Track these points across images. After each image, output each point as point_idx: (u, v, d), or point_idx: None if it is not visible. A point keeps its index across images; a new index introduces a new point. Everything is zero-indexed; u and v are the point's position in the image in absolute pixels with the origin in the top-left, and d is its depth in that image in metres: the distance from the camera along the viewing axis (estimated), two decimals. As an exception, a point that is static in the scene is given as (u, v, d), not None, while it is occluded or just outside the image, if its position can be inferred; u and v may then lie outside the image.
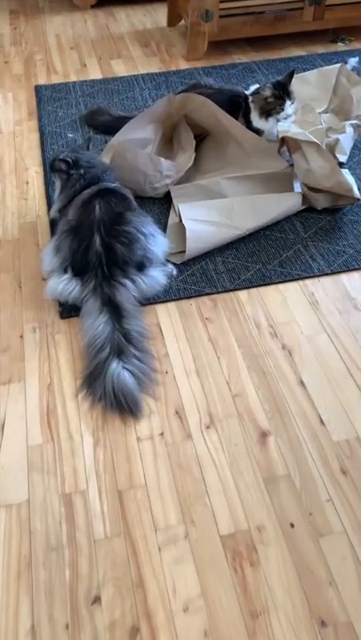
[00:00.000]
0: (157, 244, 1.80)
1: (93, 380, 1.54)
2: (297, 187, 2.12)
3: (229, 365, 1.60)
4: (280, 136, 2.08)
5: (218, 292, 1.81)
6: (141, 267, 1.76)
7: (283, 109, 2.31)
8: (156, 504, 1.31)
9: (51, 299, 1.78)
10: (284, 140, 2.12)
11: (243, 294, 1.81)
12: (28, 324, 1.74)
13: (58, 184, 1.97)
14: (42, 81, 3.02)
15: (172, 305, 1.79)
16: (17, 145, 2.52)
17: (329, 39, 3.32)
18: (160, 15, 3.70)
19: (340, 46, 3.28)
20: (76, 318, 1.74)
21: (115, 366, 1.53)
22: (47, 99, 2.84)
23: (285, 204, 2.05)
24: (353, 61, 3.01)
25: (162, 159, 2.11)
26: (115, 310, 1.67)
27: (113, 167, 2.02)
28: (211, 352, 1.64)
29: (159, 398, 1.52)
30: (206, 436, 1.44)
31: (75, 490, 1.34)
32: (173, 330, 1.71)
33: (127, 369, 1.54)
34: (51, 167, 1.96)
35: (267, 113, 2.35)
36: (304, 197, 2.07)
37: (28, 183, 2.30)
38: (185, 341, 1.67)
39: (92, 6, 3.82)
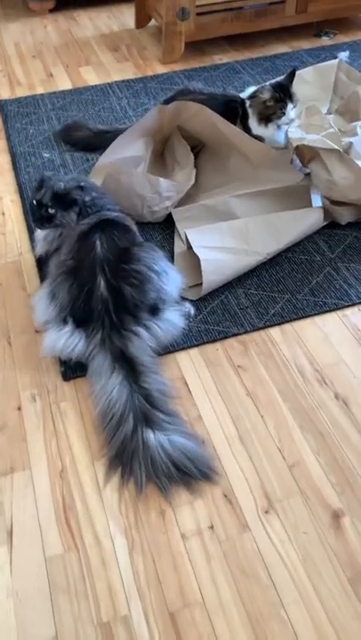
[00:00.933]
0: (171, 281, 1.52)
1: (127, 460, 1.25)
2: (315, 200, 1.87)
3: (278, 426, 1.33)
4: (294, 145, 1.82)
5: (246, 332, 1.54)
6: (155, 310, 1.48)
7: (284, 114, 2.06)
8: (219, 626, 1.03)
9: (49, 356, 1.47)
10: (297, 149, 1.87)
11: (275, 332, 1.54)
12: (26, 390, 1.43)
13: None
14: (5, 95, 2.70)
15: (194, 352, 1.51)
16: (-15, 170, 2.20)
17: (312, 33, 3.09)
18: (126, 17, 3.42)
19: (326, 40, 3.06)
20: (82, 379, 1.45)
21: (153, 437, 1.25)
22: (14, 115, 2.52)
23: (306, 221, 1.79)
24: (343, 56, 2.77)
25: (160, 179, 1.83)
26: (129, 366, 1.38)
27: (106, 192, 1.73)
28: (252, 410, 1.36)
29: (218, 474, 1.24)
30: (267, 524, 1.16)
31: (114, 616, 1.05)
32: (202, 384, 1.43)
33: (171, 435, 1.26)
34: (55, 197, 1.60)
35: (266, 118, 2.09)
36: (326, 212, 1.82)
37: (3, 214, 1.99)
38: (219, 398, 1.39)
39: (51, 11, 3.51)
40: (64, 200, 1.56)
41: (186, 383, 1.43)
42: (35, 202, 1.57)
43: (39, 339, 1.52)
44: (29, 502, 1.22)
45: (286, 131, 1.97)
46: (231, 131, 1.95)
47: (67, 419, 1.37)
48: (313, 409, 1.36)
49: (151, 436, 1.26)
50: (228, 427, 1.33)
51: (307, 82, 2.41)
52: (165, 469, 1.21)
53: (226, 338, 1.53)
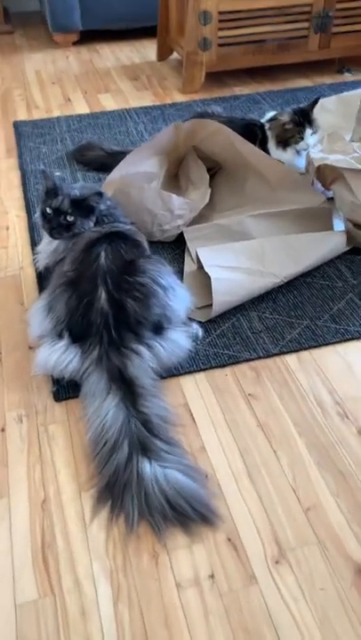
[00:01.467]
0: (178, 299, 1.39)
1: (119, 493, 1.09)
2: (337, 224, 1.76)
3: (292, 463, 1.17)
4: (316, 165, 1.72)
5: (259, 358, 1.40)
6: (159, 329, 1.34)
7: (302, 138, 1.98)
8: None
9: (41, 374, 1.33)
10: (318, 169, 1.77)
11: (291, 359, 1.40)
12: (12, 411, 1.29)
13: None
14: (21, 116, 2.67)
15: (201, 376, 1.36)
16: (-7, 185, 2.12)
17: (335, 69, 3.06)
18: (148, 50, 3.43)
19: (348, 77, 3.02)
20: (75, 400, 1.30)
21: (149, 468, 1.09)
22: (28, 135, 2.47)
23: (327, 244, 1.67)
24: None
25: (173, 196, 1.73)
26: (127, 388, 1.24)
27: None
28: (263, 443, 1.21)
29: (219, 517, 1.07)
30: (277, 576, 0.99)
31: None
32: (208, 412, 1.27)
33: (169, 467, 1.10)
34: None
35: (285, 142, 2.02)
36: (348, 236, 1.70)
37: (8, 229, 1.89)
38: (226, 429, 1.24)
39: (74, 43, 3.54)
40: (82, 207, 1.46)
41: (190, 410, 1.28)
42: (49, 210, 1.47)
43: (32, 356, 1.38)
44: (3, 536, 1.06)
45: (307, 154, 1.88)
46: (250, 150, 1.86)
47: (55, 443, 1.22)
48: (333, 445, 1.20)
49: (147, 467, 1.10)
50: (236, 461, 1.17)
51: (329, 110, 2.34)
52: (160, 506, 1.05)
53: (236, 363, 1.39)
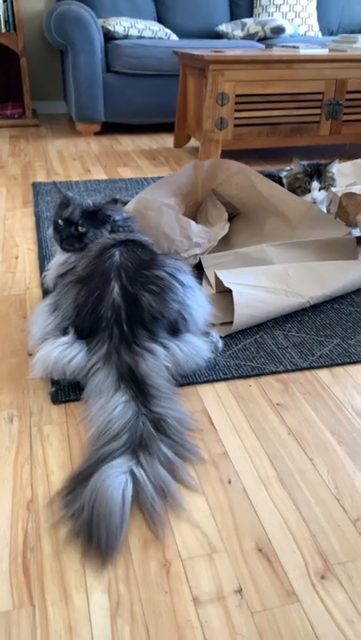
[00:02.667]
0: (197, 301, 1.26)
1: (79, 483, 0.89)
2: (363, 256, 1.67)
3: (333, 471, 0.97)
4: (339, 196, 1.67)
5: (286, 371, 1.24)
6: (175, 330, 1.20)
7: (309, 190, 1.97)
8: None
9: (40, 376, 1.17)
10: (340, 206, 1.72)
11: (323, 374, 1.23)
12: (3, 410, 1.11)
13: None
14: (40, 179, 2.71)
15: (221, 386, 1.19)
16: (7, 226, 2.09)
17: (346, 155, 3.17)
18: (166, 140, 3.61)
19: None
20: (76, 403, 1.13)
21: (113, 466, 0.90)
22: (46, 192, 2.50)
23: (352, 273, 1.57)
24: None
25: (192, 222, 1.67)
26: (138, 387, 1.08)
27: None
28: (296, 451, 1.01)
29: (223, 524, 0.86)
30: (324, 593, 0.76)
31: None
32: (230, 419, 1.09)
33: (134, 474, 0.90)
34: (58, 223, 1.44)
35: (293, 192, 2.00)
36: (376, 268, 1.60)
37: (17, 258, 1.81)
38: (251, 435, 1.05)
39: (96, 133, 3.74)
40: (95, 217, 1.39)
41: (209, 416, 1.10)
42: (61, 221, 1.40)
43: (31, 362, 1.23)
44: (-24, 538, 0.84)
45: (328, 193, 1.85)
46: (271, 190, 1.83)
47: (49, 444, 1.03)
48: (380, 455, 1.00)
49: (114, 463, 0.91)
50: (265, 467, 0.97)
51: (345, 174, 2.36)
52: (84, 513, 0.85)
53: (261, 375, 1.22)
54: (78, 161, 3.09)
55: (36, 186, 2.58)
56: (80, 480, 0.90)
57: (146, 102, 3.64)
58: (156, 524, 0.86)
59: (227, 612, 0.74)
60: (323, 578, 0.78)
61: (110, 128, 3.85)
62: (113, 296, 1.18)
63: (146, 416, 1.02)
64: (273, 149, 3.06)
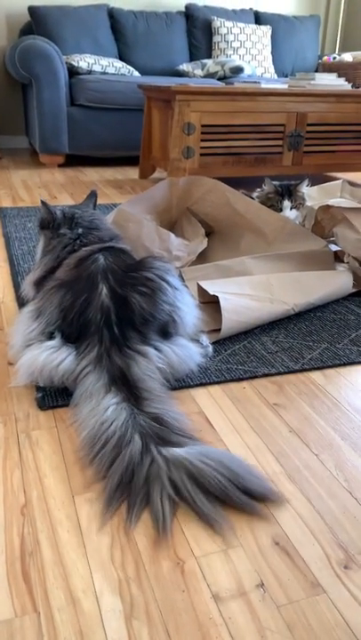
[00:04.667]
0: (187, 304, 1.23)
1: (140, 487, 0.83)
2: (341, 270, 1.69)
3: (340, 465, 0.94)
4: (316, 209, 1.70)
5: (279, 374, 1.21)
6: (166, 333, 1.17)
7: (280, 209, 2.01)
8: None
9: (24, 383, 1.11)
10: (316, 221, 1.75)
11: (316, 375, 1.21)
12: (-15, 418, 1.04)
13: (40, 247, 1.43)
14: (6, 205, 2.67)
15: (215, 389, 1.15)
16: (-25, 246, 2.02)
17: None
18: (130, 172, 3.64)
19: (320, 191, 3.21)
20: (65, 409, 1.07)
21: (179, 451, 0.87)
22: (14, 215, 2.45)
23: (334, 281, 1.58)
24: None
25: (172, 235, 1.66)
26: (130, 391, 1.03)
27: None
28: (300, 447, 0.98)
29: (235, 520, 0.81)
30: (350, 583, 0.72)
31: None
32: (228, 420, 1.05)
33: (204, 448, 0.86)
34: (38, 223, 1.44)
35: (264, 210, 2.04)
36: (356, 278, 1.62)
37: (-12, 275, 1.75)
38: (252, 434, 1.01)
39: (60, 165, 3.74)
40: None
41: (207, 418, 1.06)
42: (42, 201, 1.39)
43: (12, 371, 1.17)
44: (-34, 545, 0.76)
45: (303, 207, 1.88)
46: (245, 205, 1.85)
47: (39, 449, 0.96)
48: (384, 448, 0.98)
49: (176, 451, 0.87)
50: (270, 463, 0.94)
51: (313, 197, 2.43)
52: (216, 484, 0.81)
53: (254, 378, 1.20)
54: (44, 189, 3.07)
55: (2, 210, 2.53)
56: (139, 487, 0.84)
57: (110, 135, 3.68)
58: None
59: (251, 607, 0.68)
60: (346, 568, 0.74)
61: (74, 160, 3.86)
62: (102, 298, 1.14)
63: (142, 414, 0.97)
64: (239, 178, 3.12)
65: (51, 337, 1.13)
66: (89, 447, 0.93)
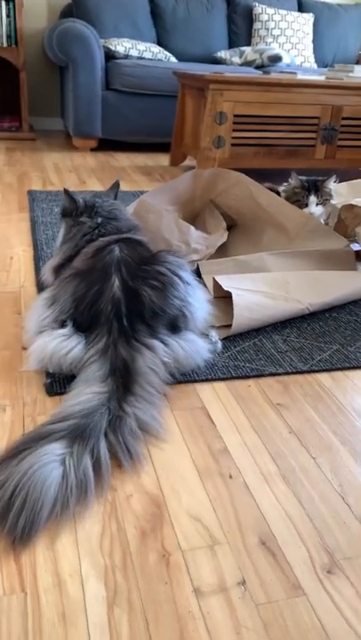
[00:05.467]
0: (198, 299, 1.24)
1: (12, 455, 0.86)
2: (361, 270, 1.67)
3: (335, 469, 0.94)
4: (338, 207, 1.68)
5: (287, 374, 1.22)
6: (175, 328, 1.18)
7: (306, 204, 1.99)
8: None
9: (35, 368, 1.14)
10: (339, 219, 1.73)
11: (324, 377, 1.21)
12: (-6, 401, 1.07)
13: (61, 233, 1.45)
14: (36, 188, 2.71)
15: (220, 385, 1.17)
16: (2, 229, 2.06)
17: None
18: (161, 159, 3.64)
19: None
20: (71, 397, 1.09)
21: (51, 449, 0.86)
22: (42, 199, 2.49)
23: (352, 282, 1.57)
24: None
25: (191, 227, 1.67)
26: (125, 383, 1.04)
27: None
28: (298, 449, 0.99)
29: (224, 517, 0.83)
30: (331, 587, 0.73)
31: None
32: (229, 417, 1.07)
33: (64, 465, 0.86)
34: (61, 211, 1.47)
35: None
36: (374, 280, 1.61)
37: (12, 258, 1.79)
38: (252, 433, 1.02)
39: (92, 149, 3.77)
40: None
41: (208, 413, 1.07)
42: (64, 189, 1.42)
43: (25, 355, 1.20)
44: (-36, 523, 0.79)
45: (327, 205, 1.86)
46: (269, 200, 1.84)
47: (43, 434, 0.99)
48: (383, 455, 0.98)
49: (43, 450, 0.86)
50: (267, 464, 0.95)
51: (341, 194, 2.38)
52: (14, 493, 0.80)
53: (260, 376, 1.20)
54: (74, 173, 3.09)
55: (31, 193, 2.57)
56: (14, 453, 0.86)
57: (143, 121, 3.68)
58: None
59: (230, 603, 0.70)
60: (329, 572, 0.75)
61: (106, 144, 3.88)
62: (113, 290, 1.16)
63: (109, 411, 0.97)
64: (269, 170, 3.09)
65: (63, 325, 1.16)
66: (48, 419, 0.95)
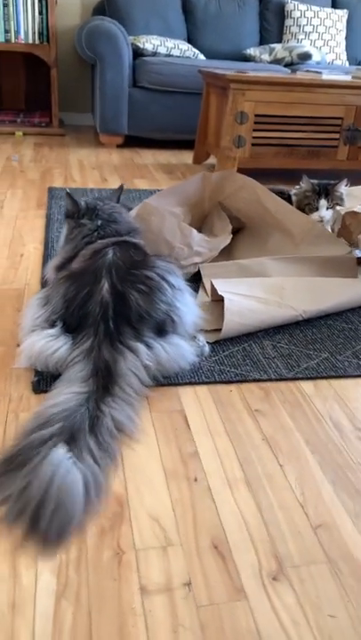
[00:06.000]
0: (186, 304, 1.27)
1: (11, 468, 0.89)
2: (363, 277, 1.67)
3: (301, 479, 0.96)
4: (342, 214, 1.68)
5: (270, 380, 1.24)
6: (162, 331, 1.21)
7: (316, 208, 1.98)
8: None
9: (25, 366, 1.19)
10: (343, 225, 1.73)
11: (307, 385, 1.23)
12: (-17, 396, 1.13)
13: (63, 234, 1.51)
14: (57, 185, 2.77)
15: (202, 389, 1.19)
16: (17, 225, 2.13)
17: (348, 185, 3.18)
18: (186, 156, 3.66)
19: None
20: (56, 395, 1.14)
21: (62, 455, 0.90)
22: (60, 196, 2.55)
23: (351, 289, 1.57)
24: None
25: (193, 230, 1.69)
26: (105, 384, 1.08)
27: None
28: (268, 456, 1.01)
29: (182, 519, 0.86)
30: (274, 595, 0.75)
31: None
32: (205, 421, 1.09)
33: (79, 469, 0.89)
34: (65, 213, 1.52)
35: (302, 210, 2.02)
36: (375, 286, 1.60)
37: (22, 256, 1.85)
38: (225, 438, 1.05)
39: (118, 146, 3.81)
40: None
41: (185, 417, 1.10)
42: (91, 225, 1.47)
43: (17, 353, 1.25)
44: None
45: (334, 212, 1.86)
46: (275, 205, 1.84)
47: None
48: (351, 466, 0.99)
49: (60, 453, 0.90)
50: (233, 469, 0.97)
51: (356, 197, 2.37)
52: (32, 498, 0.83)
53: (243, 382, 1.23)
54: (97, 170, 3.15)
55: (51, 190, 2.63)
56: (11, 465, 0.89)
57: (169, 118, 3.70)
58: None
59: (172, 603, 0.73)
60: (274, 579, 0.77)
61: (133, 141, 3.91)
62: (102, 293, 1.20)
63: (88, 410, 1.01)
64: (290, 170, 3.08)
65: (53, 325, 1.21)
66: (30, 423, 0.99)
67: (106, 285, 1.20)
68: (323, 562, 0.80)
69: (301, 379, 1.25)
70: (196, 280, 1.69)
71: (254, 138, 2.91)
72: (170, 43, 3.76)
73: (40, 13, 3.83)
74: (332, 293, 1.53)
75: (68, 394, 1.05)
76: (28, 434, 0.96)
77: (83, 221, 1.46)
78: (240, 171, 2.96)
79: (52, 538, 0.80)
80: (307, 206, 2.01)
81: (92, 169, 3.17)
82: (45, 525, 0.80)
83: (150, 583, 0.76)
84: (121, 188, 1.58)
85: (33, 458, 0.88)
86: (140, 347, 1.16)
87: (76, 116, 4.61)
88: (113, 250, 1.29)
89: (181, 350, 1.21)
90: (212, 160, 3.52)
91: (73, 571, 0.77)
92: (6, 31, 3.82)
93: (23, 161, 3.24)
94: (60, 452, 0.90)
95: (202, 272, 1.66)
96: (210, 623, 0.71)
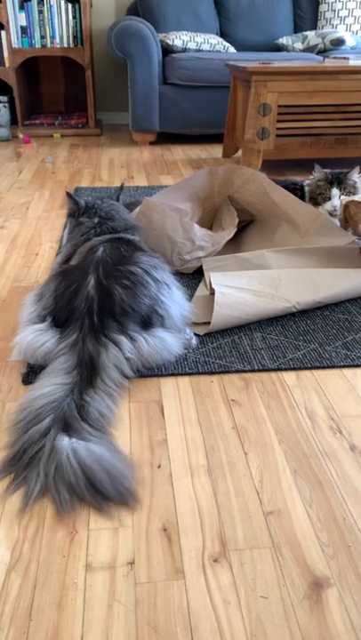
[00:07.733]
0: (172, 297, 1.31)
1: (23, 465, 0.95)
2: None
3: (263, 467, 0.98)
4: (345, 203, 1.66)
5: (253, 371, 1.25)
6: (147, 324, 1.25)
7: (329, 197, 1.95)
8: None
9: (18, 359, 1.26)
10: (348, 214, 1.71)
11: (289, 376, 1.24)
12: (-24, 387, 1.21)
13: (66, 233, 1.58)
14: (85, 185, 2.86)
15: (184, 380, 1.23)
16: (38, 226, 2.22)
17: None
18: (217, 150, 3.68)
19: None
20: (44, 386, 1.20)
21: (67, 441, 0.96)
22: (85, 196, 2.62)
23: (349, 280, 1.55)
24: None
25: (195, 225, 1.72)
26: (88, 376, 1.13)
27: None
28: (234, 444, 1.03)
29: (138, 504, 0.90)
30: (211, 575, 0.78)
31: None
32: (180, 410, 1.13)
33: (92, 442, 0.96)
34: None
35: (315, 200, 2.00)
36: (377, 276, 1.58)
37: (37, 255, 1.93)
38: (196, 426, 1.08)
39: (151, 143, 3.87)
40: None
41: (161, 407, 1.14)
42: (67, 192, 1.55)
43: (12, 346, 1.33)
44: None
45: (340, 203, 1.84)
46: (282, 196, 1.84)
47: (5, 418, 1.11)
48: (316, 456, 1.00)
49: (64, 441, 0.97)
50: (198, 457, 1.01)
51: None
52: (73, 478, 0.91)
53: (226, 372, 1.25)
54: (125, 168, 3.22)
55: (77, 190, 2.72)
56: (23, 463, 0.96)
57: (200, 113, 3.72)
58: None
59: (113, 580, 0.78)
60: (215, 561, 0.80)
61: (165, 138, 3.97)
62: (88, 289, 1.25)
63: (73, 400, 1.07)
64: (316, 160, 3.04)
65: (44, 320, 1.27)
66: (16, 415, 1.06)
67: (92, 281, 1.26)
68: (267, 546, 0.82)
69: (284, 369, 1.26)
70: (200, 273, 1.72)
71: (278, 129, 2.89)
72: (199, 38, 3.78)
73: (74, 17, 3.93)
74: (330, 284, 1.52)
75: (53, 385, 1.11)
76: (23, 430, 1.02)
77: (82, 219, 1.52)
78: (265, 163, 2.96)
79: (126, 498, 0.89)
80: (319, 196, 1.99)
81: (120, 167, 3.24)
82: (115, 489, 0.90)
83: (95, 561, 0.81)
84: (122, 186, 1.63)
85: (42, 449, 0.96)
86: (123, 340, 1.21)
87: (114, 116, 4.71)
88: (103, 247, 1.34)
89: (165, 343, 1.25)
90: (241, 153, 3.51)
91: (28, 547, 0.83)
92: (42, 37, 3.95)
93: (56, 162, 3.36)
94: (66, 441, 0.97)
95: (203, 266, 1.69)
96: (144, 599, 0.75)
